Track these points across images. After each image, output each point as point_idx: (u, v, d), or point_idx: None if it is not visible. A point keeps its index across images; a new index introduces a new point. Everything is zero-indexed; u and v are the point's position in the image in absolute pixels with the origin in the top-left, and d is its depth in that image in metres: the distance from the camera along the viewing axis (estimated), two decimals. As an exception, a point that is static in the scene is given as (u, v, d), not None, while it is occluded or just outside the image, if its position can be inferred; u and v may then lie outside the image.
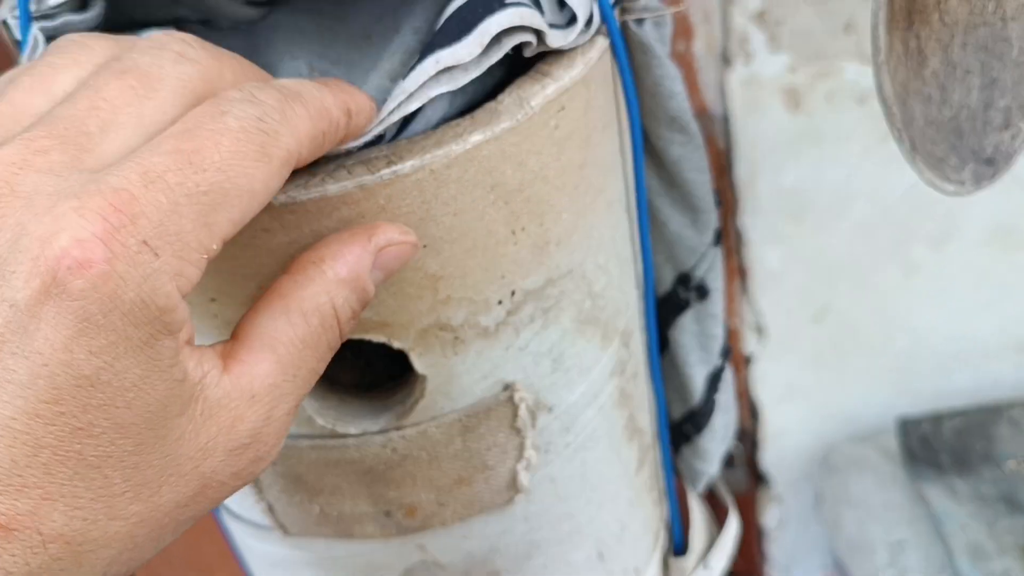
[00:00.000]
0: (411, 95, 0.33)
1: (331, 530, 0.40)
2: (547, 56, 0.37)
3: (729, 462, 1.29)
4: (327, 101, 0.29)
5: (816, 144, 1.10)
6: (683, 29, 1.05)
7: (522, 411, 0.38)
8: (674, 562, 0.54)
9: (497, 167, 0.34)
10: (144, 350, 0.22)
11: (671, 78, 0.42)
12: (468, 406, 0.38)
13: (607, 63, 0.38)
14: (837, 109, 1.07)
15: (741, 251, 1.17)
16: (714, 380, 0.55)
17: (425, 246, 0.34)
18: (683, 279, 0.52)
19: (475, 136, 0.34)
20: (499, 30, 0.32)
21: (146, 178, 0.22)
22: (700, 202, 0.49)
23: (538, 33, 0.34)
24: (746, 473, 1.29)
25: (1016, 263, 1.15)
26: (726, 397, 0.57)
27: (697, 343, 0.54)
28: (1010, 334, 1.19)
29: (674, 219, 0.50)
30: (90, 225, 0.21)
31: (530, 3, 0.34)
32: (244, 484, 0.27)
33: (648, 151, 0.48)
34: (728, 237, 1.17)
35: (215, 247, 0.24)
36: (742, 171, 1.12)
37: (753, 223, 1.15)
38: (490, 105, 0.35)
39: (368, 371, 0.40)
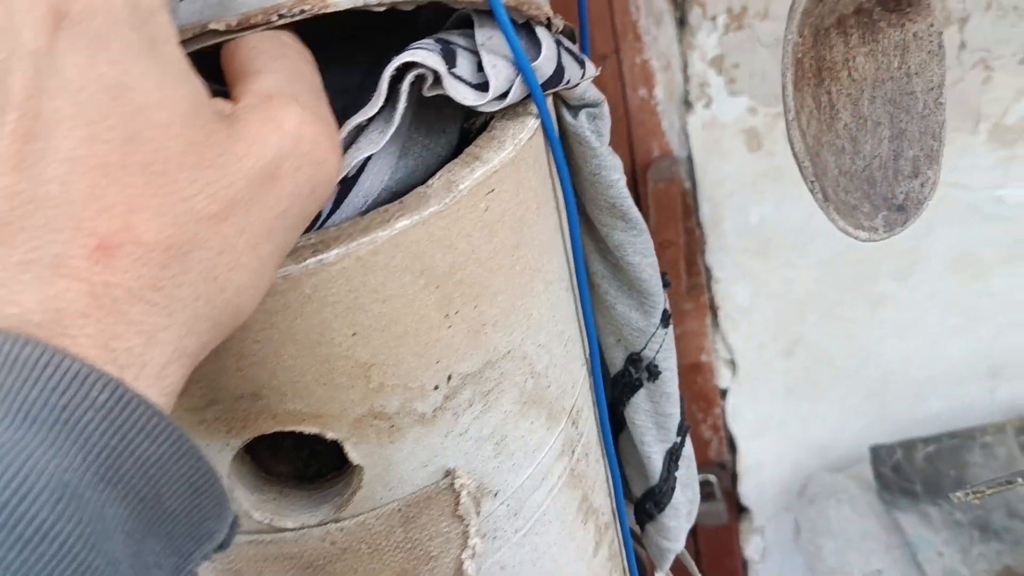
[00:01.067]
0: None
1: (273, 624, 0.39)
2: (480, 139, 0.37)
3: (709, 495, 1.28)
4: None
5: (778, 182, 1.10)
6: (644, 76, 1.05)
7: (464, 497, 0.37)
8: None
9: (426, 252, 0.34)
10: (153, 52, 0.25)
11: (608, 168, 0.41)
12: (408, 495, 0.37)
13: (539, 143, 0.38)
14: (798, 146, 1.08)
15: (711, 288, 1.18)
16: (673, 458, 0.54)
17: (354, 335, 0.33)
18: (633, 360, 0.51)
19: (402, 221, 0.33)
20: (394, 68, 0.33)
21: None
22: (645, 285, 0.49)
23: (436, 74, 0.34)
24: (726, 506, 1.29)
25: (980, 290, 1.16)
26: (687, 473, 0.56)
27: (653, 422, 0.53)
28: (980, 359, 1.19)
29: (620, 301, 0.49)
30: None
31: (434, 49, 0.34)
32: (310, 201, 0.29)
33: (593, 236, 0.48)
34: (698, 275, 1.17)
35: None
36: (707, 211, 1.12)
37: (720, 261, 1.15)
38: (420, 189, 0.35)
39: (313, 460, 0.40)
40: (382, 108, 0.34)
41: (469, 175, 0.35)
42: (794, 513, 1.27)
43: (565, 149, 0.42)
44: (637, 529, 0.59)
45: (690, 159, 1.10)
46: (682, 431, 0.54)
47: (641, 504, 0.56)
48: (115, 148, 0.24)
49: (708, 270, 1.17)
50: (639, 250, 0.47)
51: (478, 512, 0.39)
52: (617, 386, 0.52)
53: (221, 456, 0.35)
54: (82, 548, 0.21)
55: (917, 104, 0.46)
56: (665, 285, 0.50)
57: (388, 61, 0.34)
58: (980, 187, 1.11)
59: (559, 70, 0.37)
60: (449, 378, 0.36)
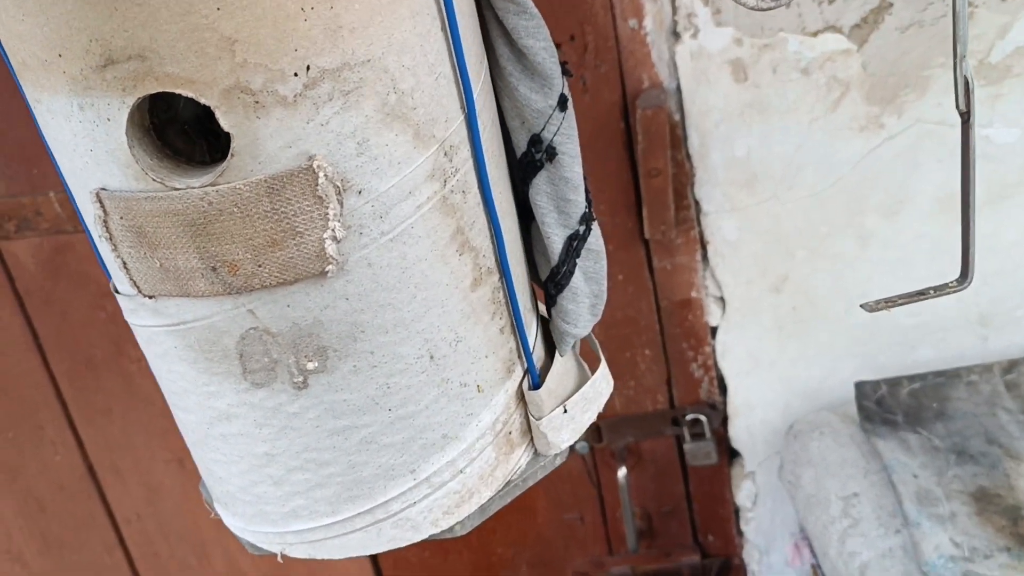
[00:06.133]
0: None
1: (173, 287, 0.47)
2: None
3: (698, 435, 1.32)
4: None
5: (764, 114, 1.16)
6: (634, 7, 1.12)
7: (322, 179, 0.45)
8: (529, 395, 0.59)
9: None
10: None
11: None
12: (274, 172, 0.44)
13: None
14: (782, 80, 1.13)
15: (700, 222, 1.22)
16: (573, 244, 0.60)
17: (219, 9, 0.41)
18: (535, 141, 0.58)
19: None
20: None
21: None
22: (542, 67, 0.56)
23: None
24: (716, 447, 1.32)
25: (970, 233, 1.18)
26: (594, 267, 0.62)
27: (553, 205, 0.60)
28: (970, 305, 1.21)
29: (523, 83, 0.56)
30: None
31: None
32: None
33: (498, 20, 0.55)
34: (688, 208, 1.22)
35: None
36: (695, 141, 1.18)
37: (709, 194, 1.20)
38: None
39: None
40: None
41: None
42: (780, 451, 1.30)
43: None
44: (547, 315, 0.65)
45: (679, 90, 1.16)
46: (585, 221, 0.60)
47: (546, 288, 0.62)
48: None
49: (697, 203, 1.22)
50: (532, 33, 0.54)
51: (341, 202, 0.46)
52: (521, 166, 0.58)
53: (120, 113, 0.43)
54: None
55: None
56: (565, 73, 0.57)
57: None
58: (964, 126, 1.14)
59: None
60: (308, 68, 0.43)
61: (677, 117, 1.16)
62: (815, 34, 1.11)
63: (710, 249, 1.23)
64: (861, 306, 0.68)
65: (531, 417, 0.60)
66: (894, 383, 1.19)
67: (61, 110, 0.44)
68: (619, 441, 1.33)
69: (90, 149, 0.45)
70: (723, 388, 1.31)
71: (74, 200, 0.50)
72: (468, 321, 0.54)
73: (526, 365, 0.60)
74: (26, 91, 0.46)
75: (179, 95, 0.44)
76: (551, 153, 0.58)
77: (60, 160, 0.48)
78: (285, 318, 0.48)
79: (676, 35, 1.12)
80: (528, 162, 0.59)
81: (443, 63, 0.49)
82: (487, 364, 0.56)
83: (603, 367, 0.65)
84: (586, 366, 0.66)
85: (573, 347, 0.66)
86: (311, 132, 0.44)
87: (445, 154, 0.50)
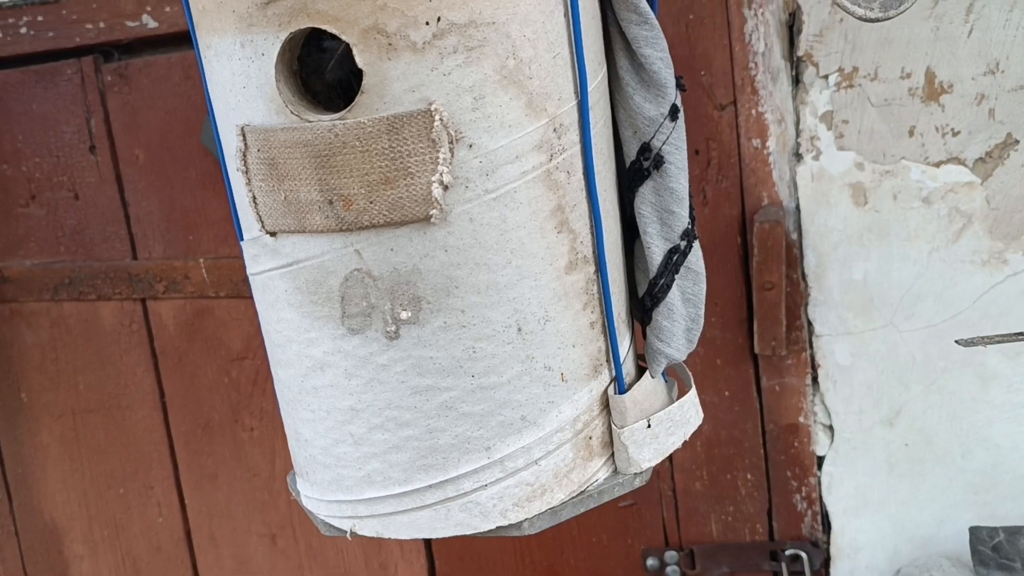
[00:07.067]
0: None
1: (293, 220, 0.51)
2: None
3: (798, 573, 1.25)
4: None
5: (883, 240, 1.16)
6: (759, 128, 1.17)
7: (437, 123, 0.49)
8: (614, 400, 0.59)
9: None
10: None
11: None
12: (397, 112, 0.49)
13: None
14: (903, 207, 1.14)
15: (812, 344, 1.21)
16: (673, 258, 0.62)
17: (370, -42, 0.47)
18: (644, 149, 0.61)
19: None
20: None
21: None
22: (657, 76, 0.59)
23: None
24: (815, 589, 1.24)
25: (1101, 380, 1.12)
26: (692, 289, 0.63)
27: (656, 216, 0.62)
28: (1102, 461, 1.13)
29: (638, 92, 0.60)
30: None
31: None
32: None
33: (620, 33, 0.60)
34: (800, 328, 1.21)
35: None
36: (812, 262, 1.18)
37: (823, 315, 1.19)
38: None
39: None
40: None
41: None
42: (887, 600, 1.21)
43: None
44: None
45: (798, 209, 1.18)
46: (687, 237, 0.62)
47: (643, 303, 0.63)
48: None
49: (810, 324, 1.21)
50: (650, 43, 0.58)
51: (452, 150, 0.50)
52: (629, 174, 0.61)
53: (273, 48, 0.49)
54: None
55: None
56: (679, 87, 0.60)
57: None
58: (1095, 268, 1.11)
59: None
60: (439, 19, 0.48)
61: (794, 236, 1.17)
62: (938, 164, 1.12)
63: (821, 373, 1.21)
64: (956, 341, 0.66)
65: (613, 426, 0.60)
66: (1013, 532, 1.11)
67: (226, 50, 0.50)
68: (713, 571, 1.28)
69: (243, 86, 0.50)
70: (827, 525, 1.25)
71: (220, 147, 0.55)
72: (559, 303, 0.55)
73: (614, 372, 0.60)
74: (199, 39, 0.53)
75: (327, 55, 0.49)
76: (658, 161, 0.60)
77: (216, 103, 0.54)
78: (387, 262, 0.51)
79: (798, 156, 1.15)
80: (636, 170, 0.61)
81: (562, 45, 0.54)
82: (573, 354, 0.57)
83: (692, 395, 0.64)
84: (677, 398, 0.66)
85: (666, 376, 0.66)
86: (434, 80, 0.49)
87: (554, 130, 0.53)
